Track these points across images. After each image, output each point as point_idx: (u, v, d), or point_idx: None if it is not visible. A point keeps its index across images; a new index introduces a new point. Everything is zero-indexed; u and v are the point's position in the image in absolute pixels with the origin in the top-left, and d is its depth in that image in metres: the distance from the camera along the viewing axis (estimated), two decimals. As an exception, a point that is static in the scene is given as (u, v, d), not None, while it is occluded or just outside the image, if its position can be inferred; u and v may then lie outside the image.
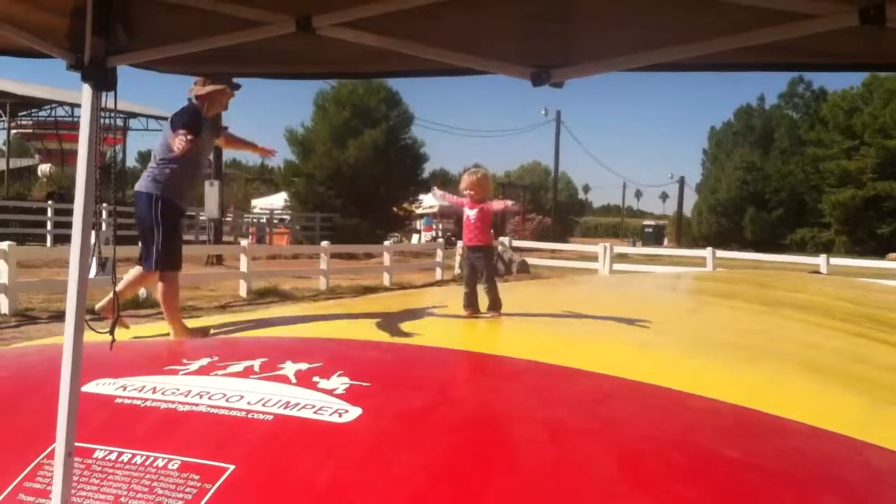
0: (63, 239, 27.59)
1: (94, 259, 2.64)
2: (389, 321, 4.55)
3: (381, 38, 2.25)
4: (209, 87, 5.37)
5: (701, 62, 2.13)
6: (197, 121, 5.29)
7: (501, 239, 29.94)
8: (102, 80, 2.38)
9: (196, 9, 2.33)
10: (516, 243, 31.03)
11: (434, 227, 50.40)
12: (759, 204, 71.69)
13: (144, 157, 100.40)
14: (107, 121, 2.49)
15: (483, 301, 4.74)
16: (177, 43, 2.44)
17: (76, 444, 2.45)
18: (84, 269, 2.38)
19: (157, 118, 45.45)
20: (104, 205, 21.27)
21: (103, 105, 2.43)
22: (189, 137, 4.99)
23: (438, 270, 25.03)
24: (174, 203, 5.30)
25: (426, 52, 2.27)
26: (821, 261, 22.58)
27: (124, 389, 3.03)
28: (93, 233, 2.47)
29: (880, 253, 50.86)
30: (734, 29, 1.99)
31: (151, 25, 2.47)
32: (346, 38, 2.26)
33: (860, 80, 66.82)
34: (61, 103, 38.43)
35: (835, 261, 24.25)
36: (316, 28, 2.24)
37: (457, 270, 25.60)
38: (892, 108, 62.80)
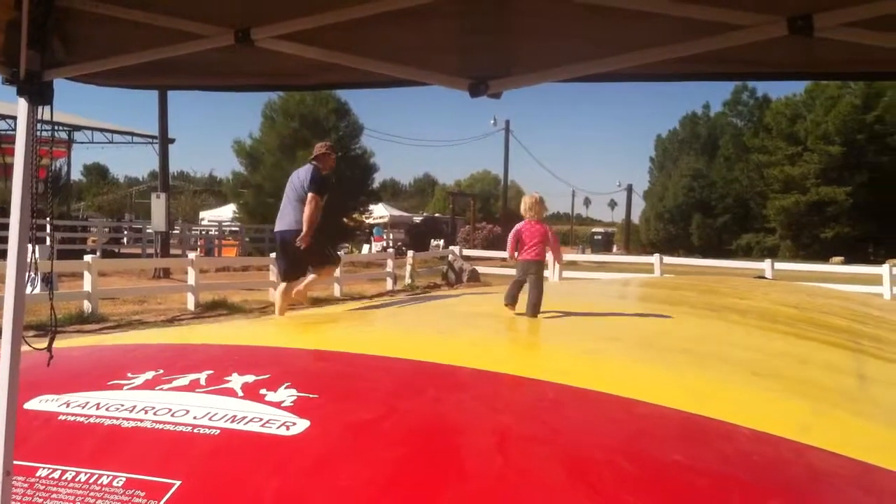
0: (5, 254, 27.06)
1: (39, 274, 2.61)
2: (337, 330, 4.54)
3: (319, 50, 2.26)
4: (317, 151, 9.04)
5: (636, 72, 2.16)
6: (325, 184, 8.94)
7: (452, 248, 30.03)
8: (38, 94, 2.36)
9: (134, 22, 2.32)
10: (466, 252, 31.10)
11: (385, 237, 50.36)
12: (706, 210, 72.63)
13: (90, 171, 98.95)
14: (45, 134, 2.45)
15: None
16: (114, 56, 2.42)
17: (19, 462, 2.41)
18: (21, 284, 2.35)
19: (102, 131, 44.90)
20: (48, 219, 20.90)
21: (40, 118, 2.40)
22: (320, 199, 8.77)
23: (389, 281, 24.98)
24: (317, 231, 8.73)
25: (365, 63, 2.28)
26: (766, 265, 22.89)
27: (68, 406, 2.99)
28: (36, 248, 2.45)
29: (824, 256, 51.90)
30: (666, 40, 2.02)
31: (88, 39, 2.44)
32: (285, 51, 2.27)
33: (803, 88, 68.12)
34: (3, 116, 37.75)
35: (779, 265, 24.60)
36: (255, 40, 2.24)
37: (407, 280, 25.57)
38: (834, 114, 64.00)
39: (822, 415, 3.48)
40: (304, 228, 8.61)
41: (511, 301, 5.74)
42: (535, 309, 5.66)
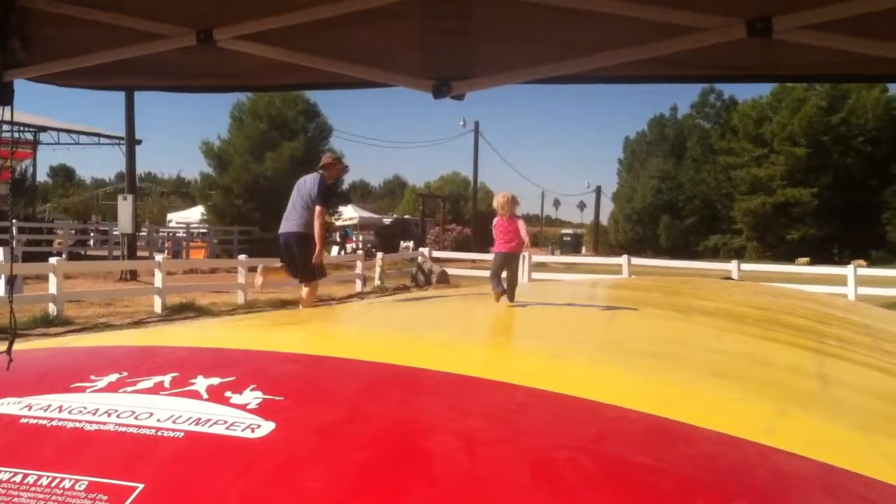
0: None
1: (2, 277, 2.57)
2: (306, 332, 4.51)
3: (282, 50, 2.26)
4: (325, 161, 10.11)
5: (599, 74, 2.18)
6: (329, 194, 10.00)
7: (422, 250, 30.03)
8: (-2, 95, 2.34)
9: (95, 22, 2.30)
10: (436, 253, 31.11)
11: (354, 239, 50.26)
12: (673, 212, 73.14)
13: (56, 172, 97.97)
14: (6, 135, 2.43)
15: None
16: (76, 56, 2.41)
17: (-21, 466, 2.38)
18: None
19: (68, 132, 44.52)
20: (12, 221, 20.74)
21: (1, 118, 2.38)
22: (325, 211, 9.46)
23: (358, 282, 24.92)
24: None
25: (329, 65, 2.28)
26: (732, 266, 23.08)
27: (29, 409, 2.96)
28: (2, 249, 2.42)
29: (790, 257, 52.41)
30: (627, 42, 2.04)
31: (49, 39, 2.42)
32: (247, 51, 2.26)
33: (769, 90, 68.81)
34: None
35: (746, 266, 24.84)
36: (217, 41, 2.23)
37: (377, 282, 25.54)
38: (799, 116, 64.68)
39: (787, 416, 3.49)
40: (317, 246, 9.59)
41: (499, 286, 6.05)
42: (512, 291, 6.14)
